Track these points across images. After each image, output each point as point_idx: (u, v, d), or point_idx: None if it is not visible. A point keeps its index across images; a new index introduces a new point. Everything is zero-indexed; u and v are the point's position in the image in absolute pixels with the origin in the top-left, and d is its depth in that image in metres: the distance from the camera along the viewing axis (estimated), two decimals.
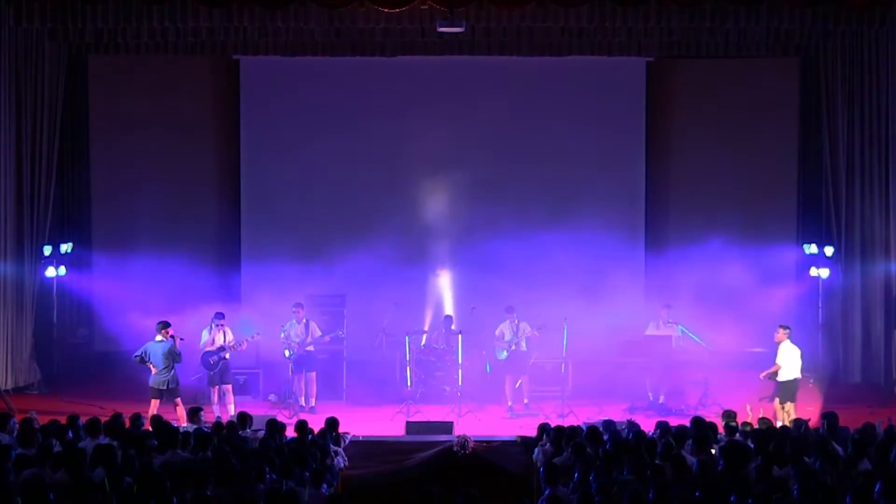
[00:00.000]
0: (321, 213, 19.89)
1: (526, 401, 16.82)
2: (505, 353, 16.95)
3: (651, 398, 17.02)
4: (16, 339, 18.29)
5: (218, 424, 13.00)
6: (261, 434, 12.61)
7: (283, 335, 16.97)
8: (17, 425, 12.37)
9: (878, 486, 9.16)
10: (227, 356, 16.24)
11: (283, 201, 19.99)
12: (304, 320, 17.01)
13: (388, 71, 19.66)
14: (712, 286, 18.38)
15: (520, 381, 17.00)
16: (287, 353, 16.88)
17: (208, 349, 16.20)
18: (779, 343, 15.41)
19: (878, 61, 18.65)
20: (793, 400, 15.20)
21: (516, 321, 17.02)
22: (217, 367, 16.15)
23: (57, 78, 18.69)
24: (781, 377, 15.23)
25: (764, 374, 15.39)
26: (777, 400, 15.23)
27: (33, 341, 18.68)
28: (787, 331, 15.47)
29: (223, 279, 19.43)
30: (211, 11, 17.50)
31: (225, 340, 16.25)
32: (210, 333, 16.29)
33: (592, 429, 12.27)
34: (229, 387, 16.32)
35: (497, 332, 17.10)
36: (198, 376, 16.84)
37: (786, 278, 19.55)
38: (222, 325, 16.34)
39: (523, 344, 17.00)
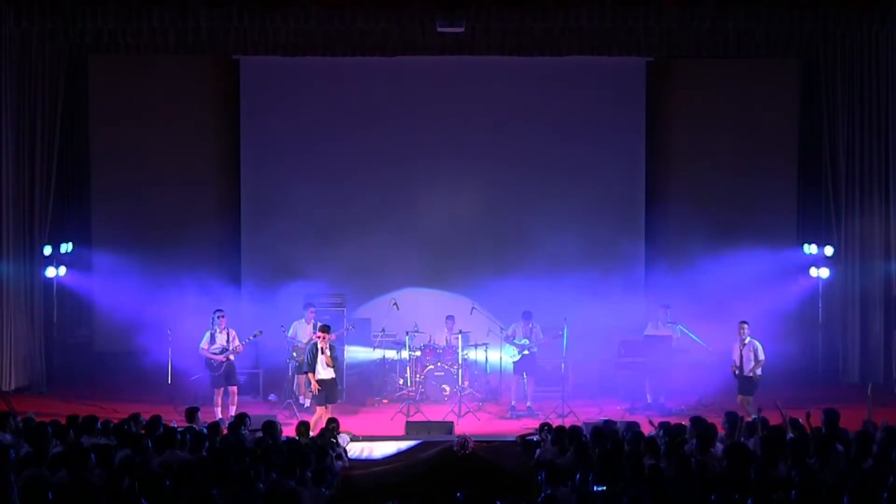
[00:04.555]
0: (321, 212, 19.90)
1: (529, 403, 16.82)
2: (518, 356, 16.94)
3: (651, 398, 17.03)
4: (16, 339, 18.28)
5: (216, 424, 12.99)
6: (259, 435, 12.59)
7: (290, 333, 16.98)
8: (22, 424, 12.39)
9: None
10: (233, 357, 16.19)
11: (284, 200, 19.98)
12: (313, 321, 16.98)
13: (388, 71, 19.66)
14: (712, 286, 18.39)
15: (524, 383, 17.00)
16: (294, 353, 16.84)
17: (212, 349, 16.11)
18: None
19: (878, 61, 18.64)
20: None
21: (531, 326, 17.02)
22: (222, 369, 16.09)
23: (57, 78, 18.67)
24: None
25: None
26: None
27: (34, 341, 18.65)
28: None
29: (223, 278, 19.42)
30: (211, 11, 17.53)
31: (228, 341, 16.17)
32: (211, 333, 16.18)
33: (595, 430, 12.27)
34: (235, 388, 16.28)
35: (509, 332, 17.09)
36: (198, 376, 16.82)
37: (786, 278, 19.56)
38: (223, 322, 16.23)
39: (535, 348, 17.01)
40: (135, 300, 18.44)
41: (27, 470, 10.33)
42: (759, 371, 15.75)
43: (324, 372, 15.31)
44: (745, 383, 15.74)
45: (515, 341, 16.95)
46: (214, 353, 16.06)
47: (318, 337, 15.42)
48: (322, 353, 15.29)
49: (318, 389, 15.30)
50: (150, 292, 18.29)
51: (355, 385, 18.17)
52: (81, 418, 12.52)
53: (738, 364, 15.76)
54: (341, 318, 17.86)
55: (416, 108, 20.05)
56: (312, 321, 16.97)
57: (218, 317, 16.18)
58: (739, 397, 15.65)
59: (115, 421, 12.68)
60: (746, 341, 15.77)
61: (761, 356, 15.74)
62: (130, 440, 11.59)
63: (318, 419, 14.96)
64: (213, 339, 16.12)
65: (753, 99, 20.33)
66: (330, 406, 15.35)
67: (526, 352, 16.88)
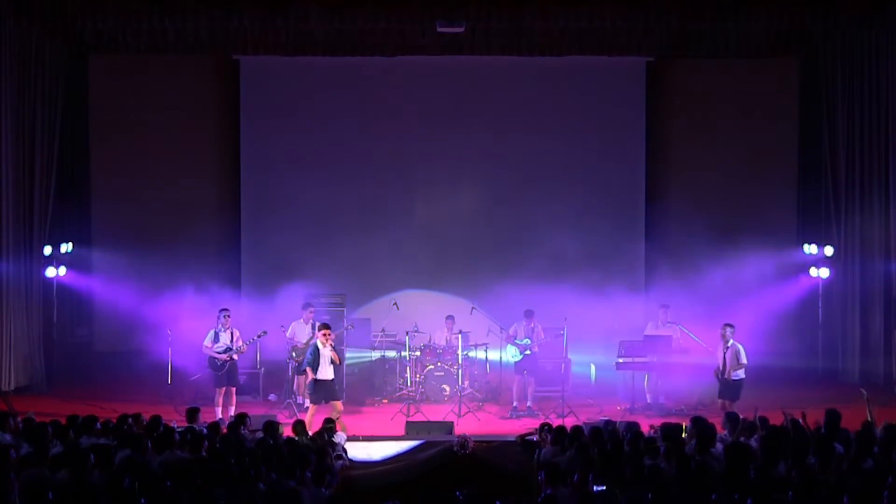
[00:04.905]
0: (321, 212, 19.90)
1: (529, 403, 16.82)
2: (520, 356, 16.93)
3: (650, 398, 17.03)
4: (16, 339, 18.26)
5: (216, 424, 12.98)
6: (259, 435, 12.60)
7: (289, 333, 16.97)
8: (22, 424, 12.39)
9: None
10: (236, 357, 16.18)
11: (283, 200, 19.99)
12: (311, 321, 16.97)
13: (388, 71, 19.67)
14: (712, 286, 18.40)
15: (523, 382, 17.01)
16: (294, 353, 16.82)
17: (216, 348, 16.09)
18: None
19: (877, 62, 18.64)
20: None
21: (533, 325, 17.02)
22: (225, 369, 16.08)
23: (57, 78, 18.68)
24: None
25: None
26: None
27: (33, 341, 18.65)
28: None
29: (223, 278, 19.43)
30: (211, 11, 17.53)
31: (232, 341, 16.17)
32: (216, 332, 16.16)
33: (595, 430, 12.26)
34: (234, 389, 16.26)
35: (511, 332, 17.09)
36: (198, 376, 16.82)
37: (786, 278, 19.56)
38: (229, 321, 16.23)
39: (536, 348, 17.01)
40: (135, 300, 18.45)
41: (27, 470, 10.33)
42: (741, 374, 15.56)
43: (326, 370, 15.30)
44: (727, 387, 15.54)
45: (517, 341, 16.95)
46: (218, 352, 16.05)
47: (323, 335, 15.40)
48: (333, 349, 15.28)
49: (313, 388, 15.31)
50: (150, 292, 18.30)
51: (355, 385, 18.18)
52: (81, 418, 12.51)
53: (720, 367, 15.67)
54: (341, 318, 17.85)
55: (416, 108, 20.07)
56: (311, 321, 16.97)
57: (224, 316, 16.19)
58: (720, 402, 15.53)
59: (115, 421, 12.67)
60: (729, 344, 15.60)
61: (743, 360, 15.49)
62: (130, 440, 11.59)
63: (311, 417, 14.98)
64: (216, 338, 16.12)
65: (753, 99, 20.33)
66: (337, 404, 15.29)
67: (528, 352, 16.88)
